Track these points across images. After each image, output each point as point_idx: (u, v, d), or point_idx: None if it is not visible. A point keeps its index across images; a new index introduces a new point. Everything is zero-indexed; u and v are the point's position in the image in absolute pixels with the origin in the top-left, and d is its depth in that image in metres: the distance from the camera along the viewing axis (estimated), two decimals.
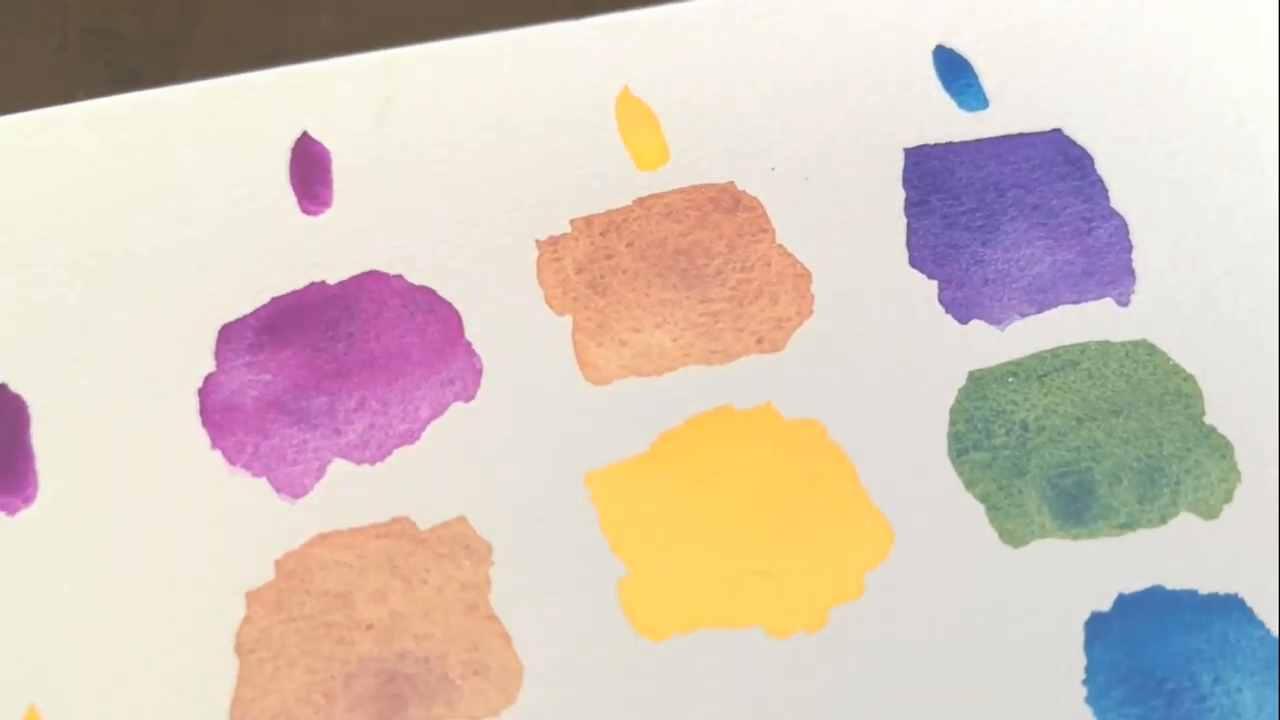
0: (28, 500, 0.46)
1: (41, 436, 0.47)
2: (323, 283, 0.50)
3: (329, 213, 0.52)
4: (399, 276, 0.50)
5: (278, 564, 0.46)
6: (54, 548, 0.46)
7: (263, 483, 0.47)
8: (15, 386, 0.48)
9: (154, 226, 0.51)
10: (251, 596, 0.45)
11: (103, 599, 0.45)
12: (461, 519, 0.47)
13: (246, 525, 0.46)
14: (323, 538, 0.46)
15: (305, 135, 0.53)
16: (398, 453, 0.47)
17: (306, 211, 0.51)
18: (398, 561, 0.46)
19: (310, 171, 0.52)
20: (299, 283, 0.50)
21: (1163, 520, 0.47)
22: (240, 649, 0.45)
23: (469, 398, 0.48)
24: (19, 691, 0.44)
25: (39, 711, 0.44)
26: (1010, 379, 0.49)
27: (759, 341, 0.50)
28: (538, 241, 0.51)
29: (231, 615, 0.45)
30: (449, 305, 0.50)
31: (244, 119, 0.53)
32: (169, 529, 0.46)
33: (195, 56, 0.54)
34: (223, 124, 0.53)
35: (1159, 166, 0.53)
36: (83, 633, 0.45)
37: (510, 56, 0.54)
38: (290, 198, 0.52)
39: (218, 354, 0.49)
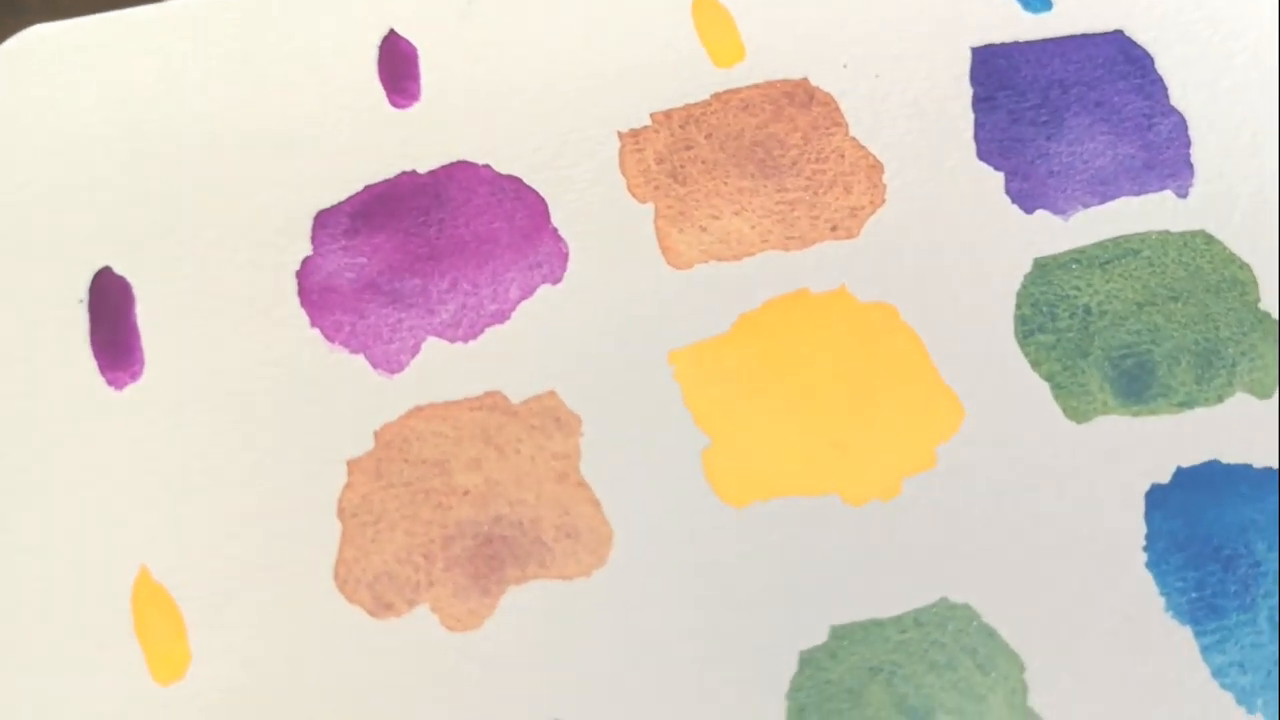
0: (135, 376, 0.48)
1: (146, 316, 0.49)
2: (413, 172, 0.51)
3: (417, 106, 0.53)
4: (486, 166, 0.51)
5: (376, 434, 0.47)
6: (161, 420, 0.47)
7: (360, 359, 0.48)
8: (119, 269, 0.49)
9: (249, 119, 0.52)
10: (352, 465, 0.47)
11: (209, 467, 0.47)
12: (551, 393, 0.48)
13: (346, 398, 0.48)
14: (419, 410, 0.48)
15: (392, 32, 0.54)
16: (489, 331, 0.49)
17: (395, 105, 0.53)
18: (491, 433, 0.47)
19: (398, 66, 0.53)
20: (390, 172, 0.51)
21: (1219, 399, 0.49)
22: (342, 514, 0.46)
23: (556, 280, 0.50)
24: (131, 554, 0.46)
25: (150, 572, 0.46)
26: (1074, 265, 0.51)
27: (834, 229, 0.51)
28: (620, 133, 0.52)
29: (334, 482, 0.47)
30: (535, 193, 0.51)
31: (333, 16, 0.54)
32: (271, 402, 0.48)
33: None
34: (312, 21, 0.54)
35: (1216, 66, 0.54)
36: (191, 499, 0.46)
37: None
38: (379, 91, 0.53)
39: (314, 239, 0.50)
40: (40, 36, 0.53)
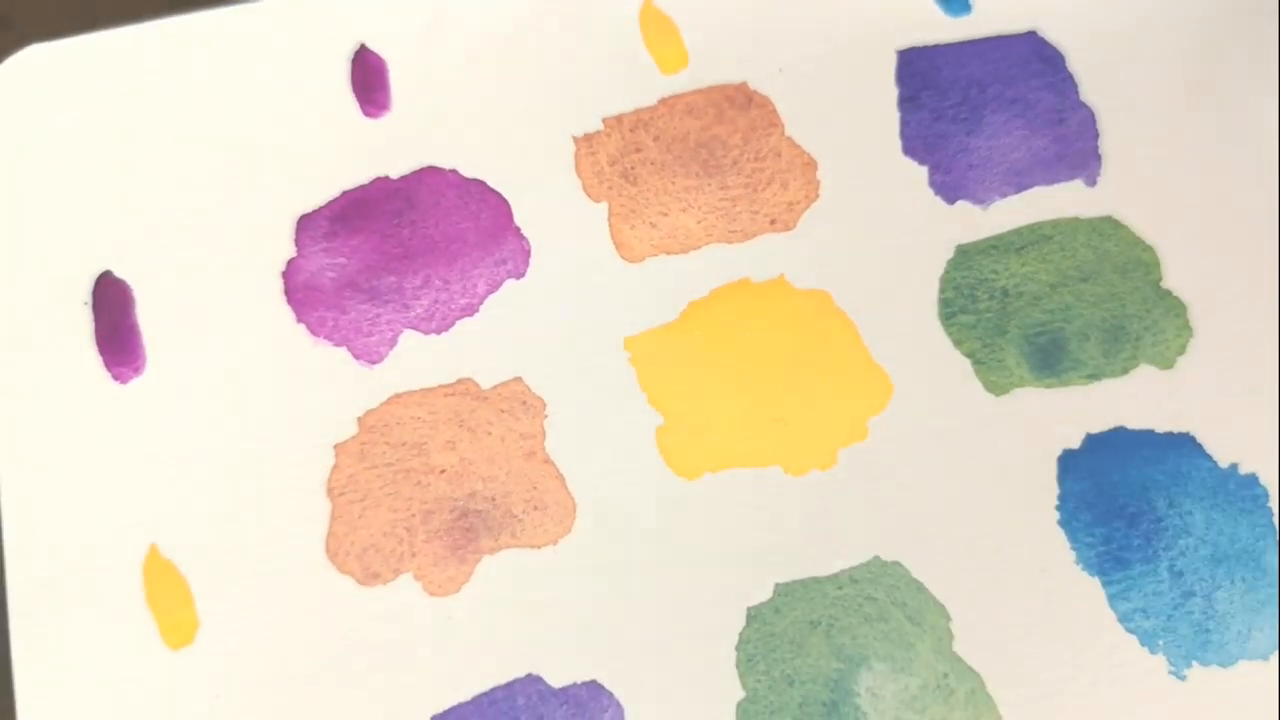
0: (138, 370, 0.52)
1: (146, 316, 0.52)
2: (386, 177, 0.54)
3: (388, 115, 0.56)
4: (454, 170, 0.55)
5: (360, 420, 0.51)
6: (163, 411, 0.51)
7: (343, 351, 0.52)
8: (119, 273, 0.53)
9: (233, 131, 0.55)
10: (339, 448, 0.51)
11: (208, 453, 0.50)
12: (518, 379, 0.52)
13: (331, 388, 0.51)
14: (398, 397, 0.51)
15: (363, 47, 0.57)
16: (459, 323, 0.52)
17: (368, 114, 0.56)
18: (464, 416, 0.51)
19: (369, 79, 0.56)
20: (365, 178, 0.55)
21: (1125, 371, 0.52)
22: (331, 493, 0.50)
23: (520, 275, 0.53)
24: (141, 533, 0.49)
25: (160, 550, 0.49)
26: (992, 251, 0.54)
27: (772, 222, 0.54)
28: (574, 138, 0.55)
29: (322, 465, 0.51)
30: (499, 195, 0.54)
31: (307, 33, 0.57)
32: (263, 393, 0.51)
33: None
34: (288, 38, 0.57)
35: (1124, 64, 0.57)
36: (193, 482, 0.50)
37: None
38: (353, 103, 0.56)
39: (297, 241, 0.54)
40: (39, 54, 0.56)
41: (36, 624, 0.48)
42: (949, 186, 0.55)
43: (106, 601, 0.48)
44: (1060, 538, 0.50)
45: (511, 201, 0.54)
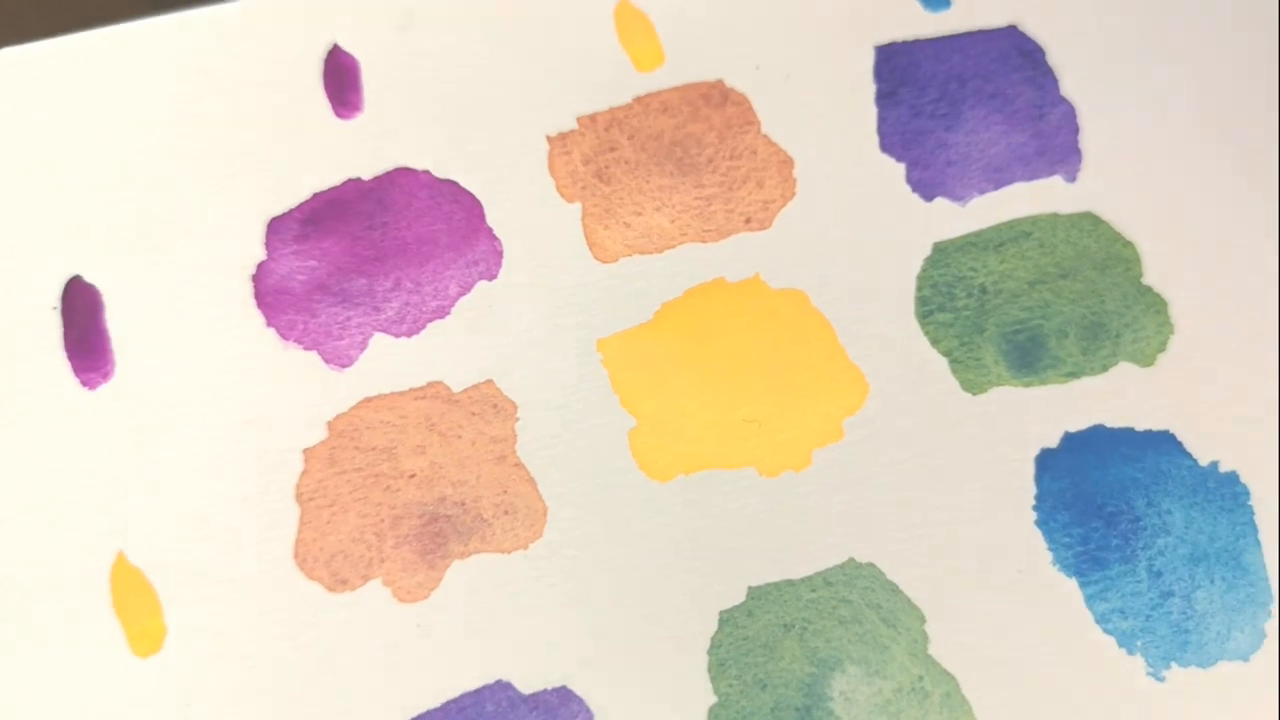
0: (106, 375, 0.51)
1: (115, 320, 0.52)
2: (358, 179, 0.54)
3: (360, 116, 0.56)
4: (425, 171, 0.54)
5: (329, 425, 0.51)
6: (132, 416, 0.51)
7: (313, 355, 0.52)
8: (89, 278, 0.53)
9: (202, 133, 0.55)
10: (308, 453, 0.51)
11: (177, 458, 0.50)
12: (489, 382, 0.51)
13: (300, 392, 0.51)
14: (368, 401, 0.51)
15: (335, 47, 0.56)
16: (431, 326, 0.52)
17: (340, 115, 0.55)
18: (434, 420, 0.51)
19: (341, 80, 0.56)
20: (336, 179, 0.54)
21: (1104, 369, 0.52)
22: (300, 498, 0.50)
23: (492, 276, 0.53)
24: (108, 539, 0.49)
25: (127, 557, 0.49)
26: (970, 248, 0.54)
27: (747, 221, 0.54)
28: (548, 137, 0.55)
29: (291, 470, 0.50)
30: (471, 195, 0.54)
31: (279, 34, 0.57)
32: (232, 397, 0.51)
33: None
34: (259, 39, 0.56)
35: (1104, 58, 0.57)
36: (161, 488, 0.50)
37: None
38: (325, 104, 0.56)
39: (267, 244, 0.53)
40: (8, 57, 0.55)
41: (3, 632, 0.48)
42: (927, 183, 0.55)
43: (74, 609, 0.48)
44: (1038, 538, 0.50)
45: (484, 202, 0.54)
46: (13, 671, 0.47)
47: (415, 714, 0.47)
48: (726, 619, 0.49)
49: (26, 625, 0.48)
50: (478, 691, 0.47)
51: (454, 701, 0.47)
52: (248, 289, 0.53)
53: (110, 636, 0.48)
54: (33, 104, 0.55)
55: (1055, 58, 0.57)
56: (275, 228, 0.53)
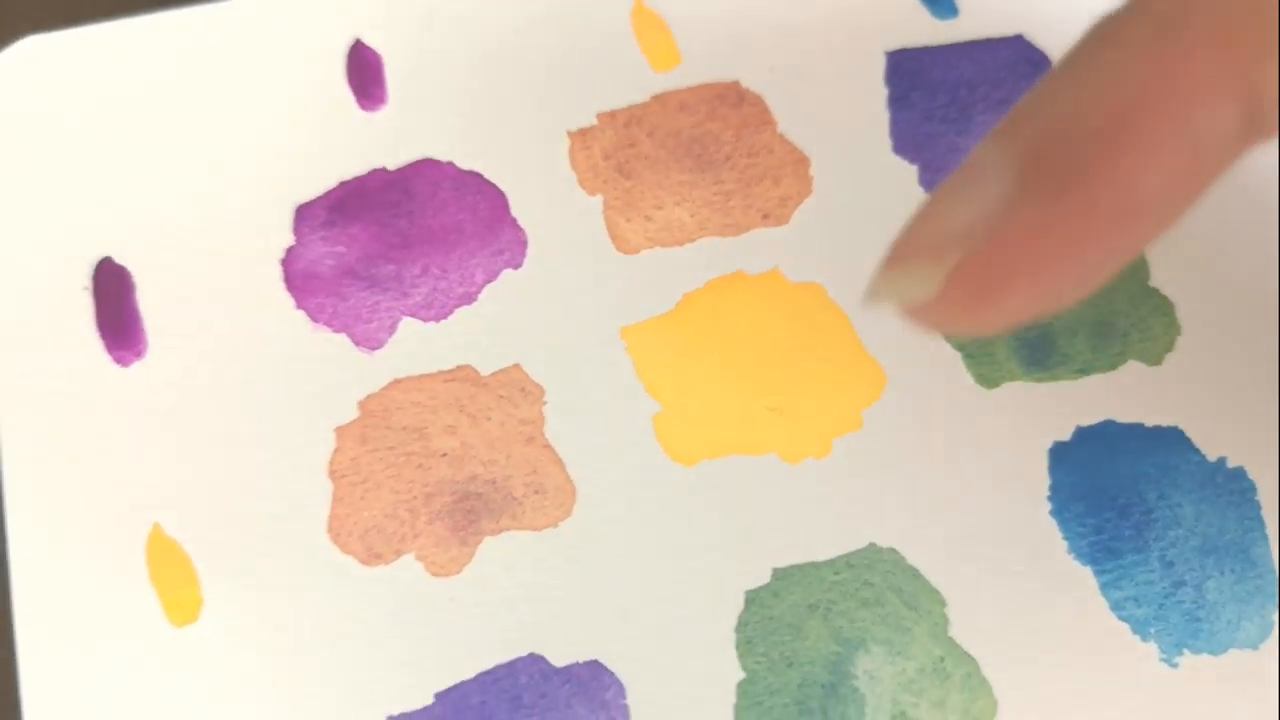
0: (139, 354, 0.52)
1: (146, 301, 0.53)
2: (383, 169, 0.55)
3: (384, 109, 0.57)
4: (450, 163, 0.56)
5: (361, 404, 0.52)
6: (166, 394, 0.52)
7: (343, 337, 0.53)
8: (119, 259, 0.53)
9: (231, 122, 0.56)
10: (340, 431, 0.51)
11: (211, 435, 0.51)
12: (517, 366, 0.52)
13: (332, 373, 0.52)
14: (398, 382, 0.52)
15: (359, 42, 0.58)
16: (458, 311, 0.53)
17: (364, 108, 0.57)
18: (464, 401, 0.52)
19: (365, 73, 0.57)
20: (362, 169, 0.55)
21: (1113, 366, 0.53)
22: (333, 475, 0.51)
23: (517, 265, 0.54)
24: (144, 513, 0.50)
25: (163, 529, 0.50)
26: None
27: (765, 217, 0.56)
28: (569, 132, 0.57)
29: (324, 448, 0.51)
30: (495, 187, 0.55)
31: (304, 28, 0.58)
32: (265, 377, 0.52)
33: None
34: (285, 33, 0.58)
35: None
36: (196, 464, 0.50)
37: None
38: (349, 96, 0.57)
39: (296, 230, 0.54)
40: (37, 45, 0.56)
41: (41, 603, 0.48)
42: (939, 185, 0.52)
43: (110, 580, 0.49)
44: (1052, 527, 0.51)
45: (508, 194, 0.55)
46: (50, 640, 0.48)
47: (449, 684, 0.48)
48: (753, 599, 0.49)
49: (64, 596, 0.49)
50: (511, 664, 0.48)
51: (488, 673, 0.48)
52: (278, 272, 0.54)
53: (147, 606, 0.49)
54: (64, 90, 0.56)
55: None
56: (303, 214, 0.54)
